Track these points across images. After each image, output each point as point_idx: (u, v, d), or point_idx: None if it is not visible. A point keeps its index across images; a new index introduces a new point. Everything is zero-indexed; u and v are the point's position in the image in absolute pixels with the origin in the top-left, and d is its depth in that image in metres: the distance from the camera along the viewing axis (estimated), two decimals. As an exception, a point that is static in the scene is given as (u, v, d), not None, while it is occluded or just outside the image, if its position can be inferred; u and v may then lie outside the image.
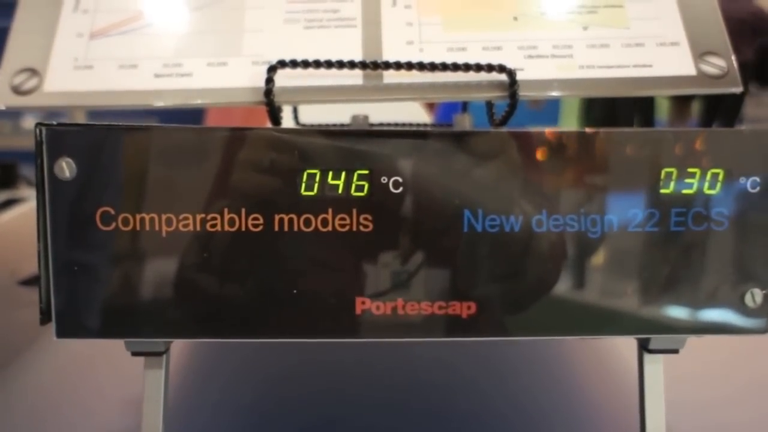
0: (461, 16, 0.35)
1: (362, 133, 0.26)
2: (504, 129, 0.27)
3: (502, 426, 0.37)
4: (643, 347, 0.29)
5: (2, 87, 0.33)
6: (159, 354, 0.29)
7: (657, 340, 0.28)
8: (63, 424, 0.38)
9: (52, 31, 0.35)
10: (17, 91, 0.33)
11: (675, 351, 0.29)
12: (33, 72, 0.34)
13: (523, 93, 0.32)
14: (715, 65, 0.33)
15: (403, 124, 0.50)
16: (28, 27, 0.35)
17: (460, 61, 0.33)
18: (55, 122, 0.26)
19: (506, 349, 0.33)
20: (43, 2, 0.36)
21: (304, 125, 0.50)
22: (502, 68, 0.32)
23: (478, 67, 0.32)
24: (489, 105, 0.39)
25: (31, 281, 0.52)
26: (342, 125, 0.47)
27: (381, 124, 0.48)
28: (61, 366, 0.44)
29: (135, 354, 0.28)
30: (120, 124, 0.26)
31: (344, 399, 0.40)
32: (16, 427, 0.38)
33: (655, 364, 0.29)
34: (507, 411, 0.39)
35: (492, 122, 0.37)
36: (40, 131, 0.25)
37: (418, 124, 0.52)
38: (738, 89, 0.33)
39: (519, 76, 0.32)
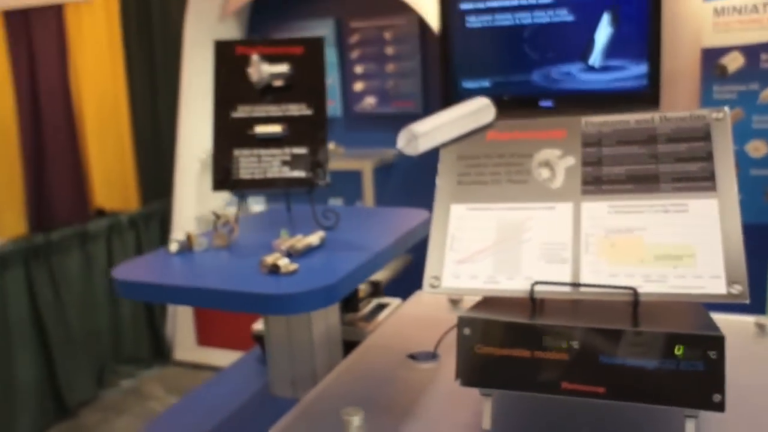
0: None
1: None
2: None
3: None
4: None
5: (426, 284, 0.85)
6: None
7: None
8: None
9: (443, 258, 0.86)
10: (431, 285, 0.85)
11: None
12: (437, 278, 0.85)
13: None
14: (737, 289, 0.73)
15: None
16: (434, 254, 0.87)
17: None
18: (466, 315, 0.76)
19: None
20: (440, 239, 0.88)
21: None
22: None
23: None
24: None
25: (415, 356, 1.02)
26: None
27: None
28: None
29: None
30: (500, 319, 0.75)
31: None
32: None
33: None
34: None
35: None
36: (460, 321, 0.76)
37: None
38: (746, 301, 0.72)
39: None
